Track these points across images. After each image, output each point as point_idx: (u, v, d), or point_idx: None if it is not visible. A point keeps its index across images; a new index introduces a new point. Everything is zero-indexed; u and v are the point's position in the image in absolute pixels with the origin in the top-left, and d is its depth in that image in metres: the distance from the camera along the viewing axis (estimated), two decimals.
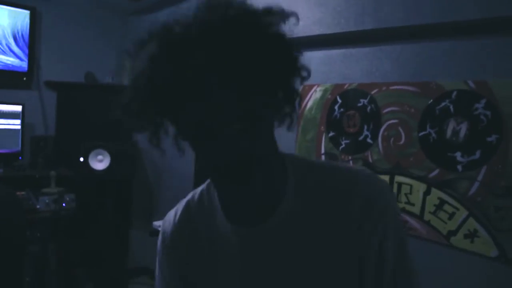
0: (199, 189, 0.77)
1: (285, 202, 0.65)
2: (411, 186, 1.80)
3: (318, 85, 2.16)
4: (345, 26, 1.92)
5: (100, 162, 2.98)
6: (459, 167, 1.65)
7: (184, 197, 0.80)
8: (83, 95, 3.27)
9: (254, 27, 0.55)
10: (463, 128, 1.64)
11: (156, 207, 3.55)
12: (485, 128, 1.58)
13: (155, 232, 2.57)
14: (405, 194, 1.81)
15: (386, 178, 1.88)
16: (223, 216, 0.69)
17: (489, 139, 1.57)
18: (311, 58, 2.18)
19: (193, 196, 0.77)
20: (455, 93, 1.66)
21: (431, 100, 1.73)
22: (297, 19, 0.62)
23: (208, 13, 0.54)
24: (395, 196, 0.67)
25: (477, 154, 1.60)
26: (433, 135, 1.73)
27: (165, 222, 0.79)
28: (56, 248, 2.78)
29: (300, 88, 2.19)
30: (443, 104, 1.70)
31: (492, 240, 1.56)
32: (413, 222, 1.79)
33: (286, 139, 2.30)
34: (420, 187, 1.77)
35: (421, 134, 1.76)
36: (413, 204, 1.80)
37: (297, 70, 0.62)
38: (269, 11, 0.58)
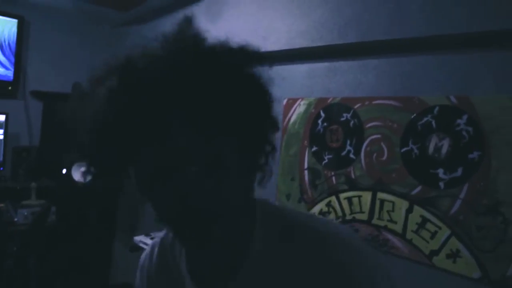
0: (166, 238, 0.73)
1: (248, 264, 0.58)
2: (393, 203, 1.75)
3: (302, 99, 2.12)
4: (329, 39, 1.90)
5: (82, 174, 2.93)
6: (441, 184, 1.60)
7: None
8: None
9: (225, 67, 0.52)
10: (445, 144, 1.60)
11: (141, 220, 3.48)
12: (467, 144, 1.54)
13: (135, 248, 2.51)
14: (387, 212, 1.76)
15: (368, 194, 1.83)
16: (187, 274, 0.64)
17: (471, 156, 1.53)
18: (295, 71, 2.15)
19: (168, 234, 0.72)
20: (437, 108, 1.63)
21: (414, 115, 1.69)
22: (271, 62, 0.60)
23: (176, 49, 0.51)
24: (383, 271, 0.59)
25: (459, 171, 1.56)
26: (415, 151, 1.68)
27: (142, 257, 0.76)
28: (37, 262, 2.70)
29: (284, 101, 2.17)
30: (425, 119, 1.66)
31: (475, 261, 1.51)
32: (395, 240, 1.73)
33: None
34: (402, 205, 1.72)
35: (403, 150, 1.72)
36: (395, 222, 1.74)
37: (269, 116, 0.58)
38: (242, 50, 0.55)
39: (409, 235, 1.69)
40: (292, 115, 2.17)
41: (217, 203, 0.51)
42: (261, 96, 0.56)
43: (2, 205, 2.60)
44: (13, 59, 3.02)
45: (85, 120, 0.52)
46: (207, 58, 0.51)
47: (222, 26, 2.30)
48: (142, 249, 2.47)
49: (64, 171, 2.79)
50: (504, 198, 1.45)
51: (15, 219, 2.47)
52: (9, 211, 2.56)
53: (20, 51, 3.05)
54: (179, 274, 0.66)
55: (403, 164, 1.72)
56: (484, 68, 1.53)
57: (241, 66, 0.54)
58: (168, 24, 0.54)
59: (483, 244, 1.49)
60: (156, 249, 0.73)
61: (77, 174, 2.90)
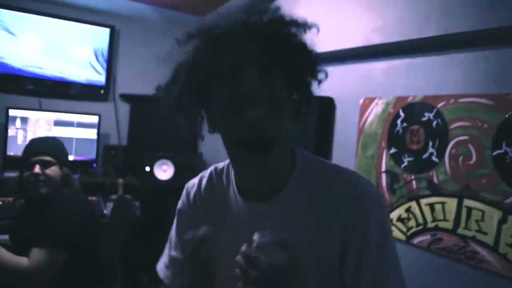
0: (220, 165, 0.89)
1: (290, 187, 0.75)
2: (483, 212, 1.57)
3: (380, 98, 2.01)
4: (408, 34, 1.77)
5: (164, 172, 3.09)
6: None
7: None
8: (154, 108, 3.43)
9: (283, 34, 0.70)
10: None
11: None
12: None
13: None
14: (476, 221, 1.59)
15: (453, 201, 1.67)
16: (237, 191, 0.81)
17: None
18: (372, 69, 2.05)
19: (215, 169, 0.89)
20: None
21: (508, 114, 1.51)
22: (318, 30, 0.73)
23: (246, 17, 0.68)
24: (381, 200, 0.72)
25: None
26: (510, 154, 1.50)
27: (190, 184, 0.91)
28: (121, 253, 2.91)
29: (361, 101, 2.07)
30: None
31: None
32: (485, 253, 1.56)
33: (346, 155, 2.17)
34: (494, 214, 1.54)
35: (495, 153, 1.54)
36: (485, 233, 1.57)
37: (314, 72, 0.74)
38: (295, 22, 0.71)
39: (503, 248, 1.51)
40: (369, 115, 2.06)
41: (275, 133, 0.69)
42: (308, 54, 0.73)
43: (94, 198, 2.84)
44: (105, 66, 3.29)
45: (183, 63, 0.72)
46: (272, 24, 0.68)
47: None
48: None
49: (147, 168, 2.96)
50: None
51: (104, 212, 2.68)
52: (99, 204, 2.78)
53: (111, 58, 3.31)
54: (226, 198, 0.82)
55: (494, 168, 1.54)
56: None
57: (296, 34, 0.71)
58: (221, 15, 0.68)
59: None
60: (205, 180, 0.88)
61: (159, 172, 3.07)
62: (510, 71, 1.52)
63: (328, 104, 2.28)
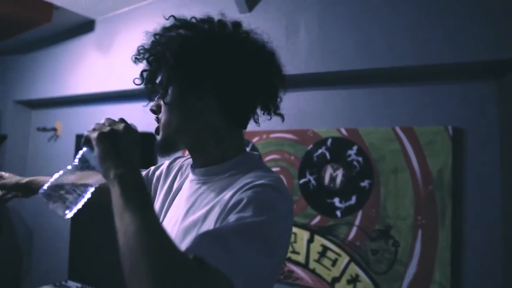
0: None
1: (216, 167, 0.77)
2: (295, 234, 1.77)
3: None
4: None
5: None
6: (338, 213, 1.68)
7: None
8: None
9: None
10: (339, 174, 1.69)
11: (27, 273, 3.06)
12: (359, 173, 1.64)
13: None
14: (291, 243, 1.78)
15: None
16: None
17: (362, 184, 1.63)
18: None
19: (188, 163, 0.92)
20: (330, 140, 1.72)
21: (309, 147, 1.76)
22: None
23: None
24: (270, 189, 0.65)
25: (353, 199, 1.65)
26: (313, 181, 1.75)
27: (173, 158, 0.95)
28: None
29: None
30: (319, 151, 1.74)
31: (372, 284, 1.59)
32: (299, 271, 1.75)
33: None
34: (304, 235, 1.76)
35: (301, 181, 1.77)
36: (298, 253, 1.77)
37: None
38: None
39: (312, 264, 1.73)
40: None
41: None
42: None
43: None
44: None
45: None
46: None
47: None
48: None
49: None
50: (393, 222, 1.56)
51: None
52: None
53: None
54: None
55: (302, 195, 1.77)
56: (370, 102, 1.67)
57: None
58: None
59: (379, 267, 1.58)
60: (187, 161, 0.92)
61: None
62: (309, 110, 1.79)
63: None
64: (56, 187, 0.64)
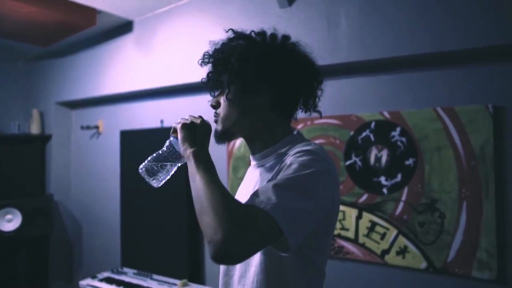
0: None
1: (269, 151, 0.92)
2: (344, 212, 1.91)
3: None
4: None
5: (9, 222, 2.68)
6: (385, 190, 1.80)
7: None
8: None
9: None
10: (384, 154, 1.81)
11: (79, 264, 3.26)
12: (403, 152, 1.77)
13: None
14: (339, 221, 1.92)
15: None
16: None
17: (407, 162, 1.75)
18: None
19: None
20: (373, 123, 1.84)
21: (353, 131, 1.89)
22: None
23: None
24: (308, 153, 0.80)
25: (399, 177, 1.77)
26: (359, 162, 1.87)
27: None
28: None
29: None
30: (364, 134, 1.86)
31: (421, 254, 1.72)
32: (349, 246, 1.89)
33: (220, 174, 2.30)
34: (352, 213, 1.89)
35: (347, 163, 1.90)
36: (347, 229, 1.90)
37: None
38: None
39: (361, 239, 1.87)
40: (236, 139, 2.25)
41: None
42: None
43: None
44: None
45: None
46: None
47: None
48: None
49: None
50: (438, 196, 1.69)
51: None
52: None
53: None
54: None
55: (348, 175, 1.90)
56: (411, 86, 1.78)
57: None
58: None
59: (426, 238, 1.71)
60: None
61: (2, 223, 2.65)
62: (352, 96, 1.91)
63: None
64: (151, 165, 0.86)
